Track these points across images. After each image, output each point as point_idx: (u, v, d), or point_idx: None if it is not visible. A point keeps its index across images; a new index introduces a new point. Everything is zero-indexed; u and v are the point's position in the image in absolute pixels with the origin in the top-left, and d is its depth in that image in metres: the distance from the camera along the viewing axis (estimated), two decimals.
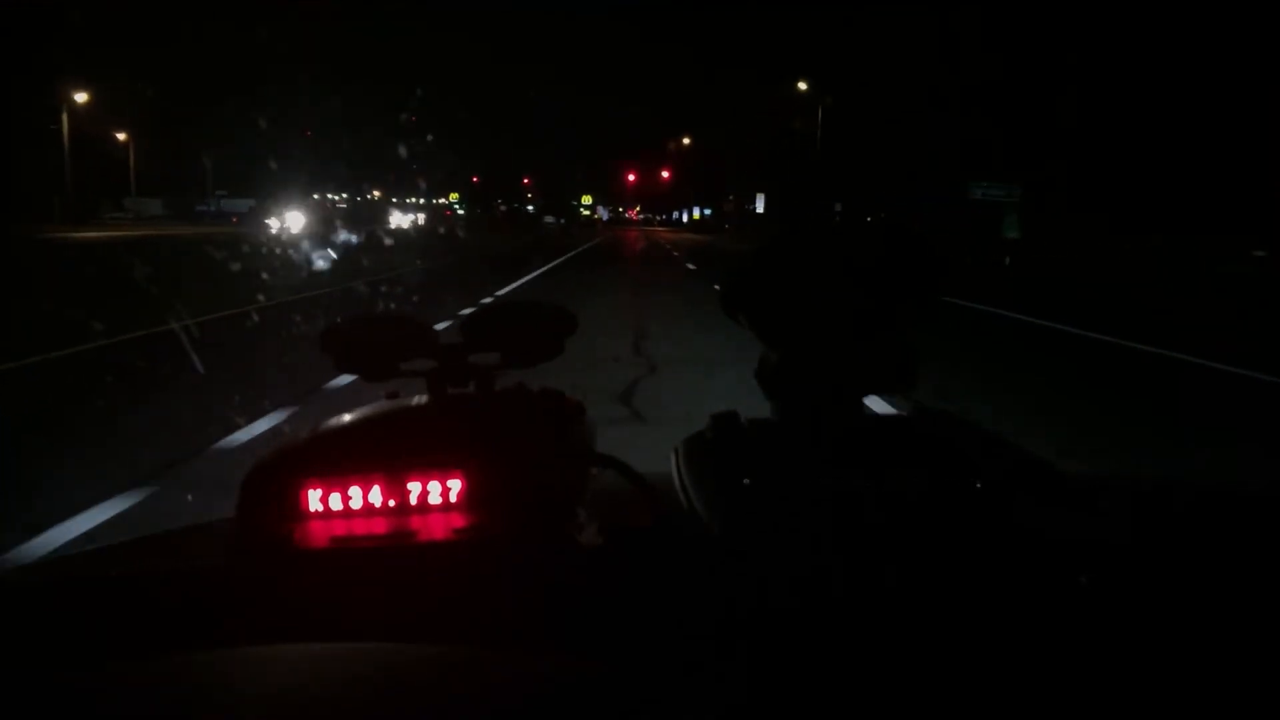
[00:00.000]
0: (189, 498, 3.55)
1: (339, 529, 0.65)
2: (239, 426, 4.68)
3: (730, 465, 0.68)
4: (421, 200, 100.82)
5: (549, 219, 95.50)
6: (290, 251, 25.07)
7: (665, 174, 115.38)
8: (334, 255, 22.71)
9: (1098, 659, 0.54)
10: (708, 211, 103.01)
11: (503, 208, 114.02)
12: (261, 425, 4.77)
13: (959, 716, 0.50)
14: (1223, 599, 0.62)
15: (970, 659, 0.54)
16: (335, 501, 0.66)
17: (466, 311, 7.03)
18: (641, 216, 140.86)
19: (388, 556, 0.64)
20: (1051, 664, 0.54)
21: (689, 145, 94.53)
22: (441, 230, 54.86)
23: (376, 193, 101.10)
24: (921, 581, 0.58)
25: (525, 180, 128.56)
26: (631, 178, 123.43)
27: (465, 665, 0.45)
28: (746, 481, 0.66)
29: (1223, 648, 0.57)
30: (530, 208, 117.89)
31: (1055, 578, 0.60)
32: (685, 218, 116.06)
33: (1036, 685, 0.53)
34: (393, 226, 55.44)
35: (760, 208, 63.52)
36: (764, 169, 60.70)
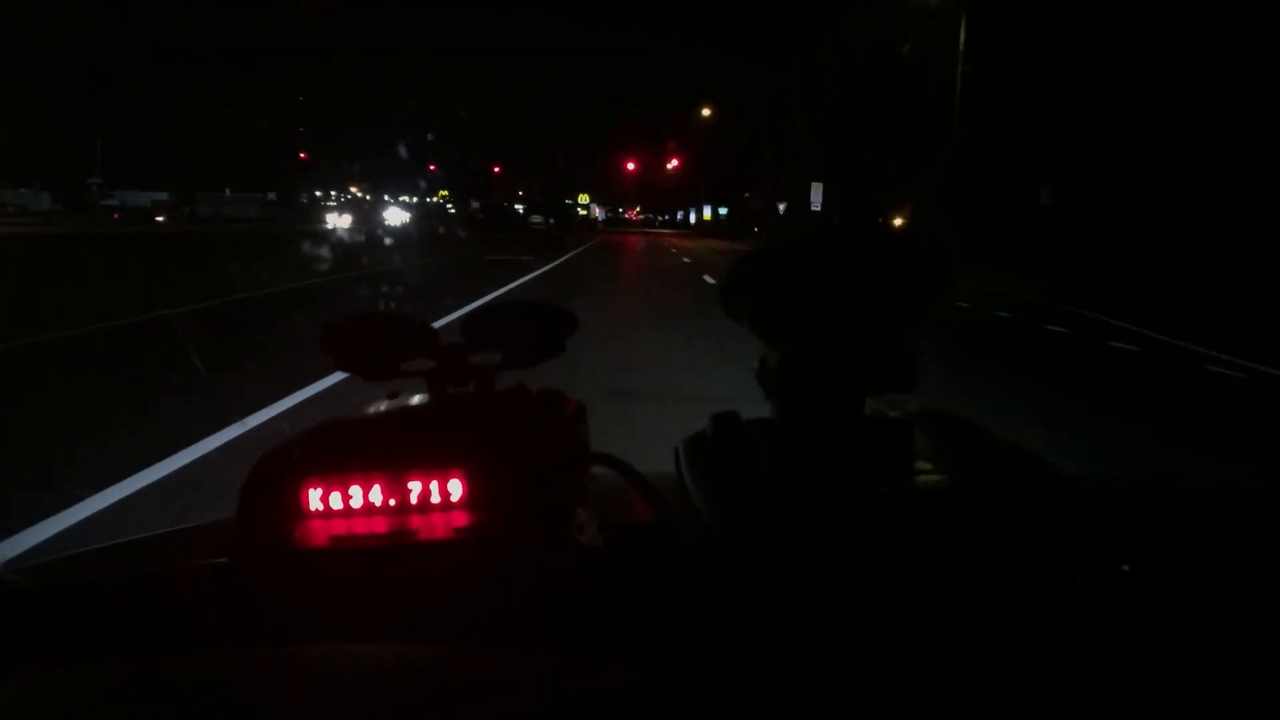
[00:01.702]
0: None
1: (339, 528, 0.66)
2: None
3: (730, 465, 0.70)
4: (416, 199, 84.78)
5: (536, 219, 78.32)
6: None
7: (674, 162, 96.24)
8: None
9: (1096, 660, 0.55)
10: (722, 211, 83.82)
11: (474, 204, 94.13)
12: None
13: (958, 716, 0.51)
14: (1222, 599, 0.64)
15: (969, 660, 0.55)
16: (336, 500, 0.67)
17: None
18: (642, 217, 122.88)
19: (388, 556, 0.65)
20: (1050, 665, 0.55)
21: (706, 121, 75.39)
22: (441, 230, 49.10)
23: (355, 189, 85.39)
24: (921, 582, 0.60)
25: (496, 169, 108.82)
26: (631, 166, 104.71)
27: (465, 665, 0.45)
28: (746, 482, 0.68)
29: (1222, 648, 0.58)
30: (520, 207, 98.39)
31: (1054, 579, 0.61)
32: (693, 218, 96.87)
33: (1036, 686, 0.54)
34: (329, 225, 47.66)
35: (817, 203, 44.22)
36: (828, 148, 41.32)
